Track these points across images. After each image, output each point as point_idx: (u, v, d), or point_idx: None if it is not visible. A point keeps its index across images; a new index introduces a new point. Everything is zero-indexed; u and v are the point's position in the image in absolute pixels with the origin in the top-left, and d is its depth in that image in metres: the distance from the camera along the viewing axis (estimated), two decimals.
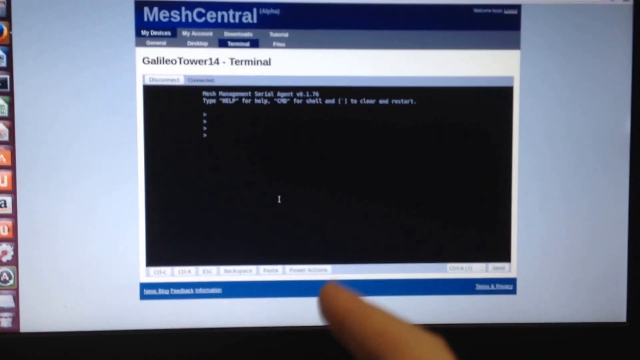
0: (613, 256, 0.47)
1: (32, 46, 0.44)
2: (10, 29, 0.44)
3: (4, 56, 0.44)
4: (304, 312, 0.47)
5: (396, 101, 0.46)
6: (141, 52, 0.45)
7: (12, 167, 0.45)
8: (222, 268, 0.46)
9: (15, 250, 0.45)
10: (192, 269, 0.46)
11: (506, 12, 0.46)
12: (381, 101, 0.46)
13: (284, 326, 0.47)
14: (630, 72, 0.46)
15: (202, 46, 0.45)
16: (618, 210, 0.47)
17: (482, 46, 0.46)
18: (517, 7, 0.46)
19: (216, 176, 0.46)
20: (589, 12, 0.46)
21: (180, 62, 0.45)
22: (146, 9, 0.45)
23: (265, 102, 0.46)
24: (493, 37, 0.46)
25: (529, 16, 0.46)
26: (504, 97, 0.46)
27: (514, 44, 0.46)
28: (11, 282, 0.46)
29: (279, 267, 0.47)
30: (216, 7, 0.45)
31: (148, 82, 0.45)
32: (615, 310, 0.48)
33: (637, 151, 0.47)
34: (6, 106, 0.45)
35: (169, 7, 0.45)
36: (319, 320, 0.46)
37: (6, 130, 0.45)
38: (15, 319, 0.46)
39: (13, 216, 0.45)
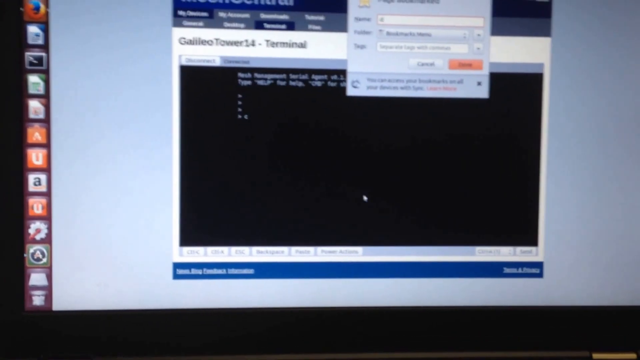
0: None
1: (69, 24, 0.44)
2: (47, 6, 0.44)
3: (41, 34, 0.44)
4: (335, 294, 0.47)
5: None
6: (178, 32, 0.45)
7: (47, 145, 0.45)
8: (255, 249, 0.47)
9: (49, 229, 0.45)
10: (225, 249, 0.47)
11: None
12: None
13: (315, 307, 0.47)
14: None
15: (239, 28, 0.46)
16: None
17: (514, 33, 0.47)
18: None
19: (250, 157, 0.46)
20: (621, 1, 0.47)
21: (217, 43, 0.46)
22: None
23: (300, 84, 0.46)
24: (525, 24, 0.47)
25: (560, 4, 0.47)
26: (535, 83, 0.47)
27: (545, 31, 0.47)
28: (45, 260, 0.45)
29: (311, 249, 0.47)
30: None
31: (184, 63, 0.45)
32: None
33: None
34: (42, 84, 0.45)
35: None
36: (349, 302, 0.47)
37: (42, 108, 0.45)
38: (48, 297, 0.46)
39: (47, 194, 0.45)
